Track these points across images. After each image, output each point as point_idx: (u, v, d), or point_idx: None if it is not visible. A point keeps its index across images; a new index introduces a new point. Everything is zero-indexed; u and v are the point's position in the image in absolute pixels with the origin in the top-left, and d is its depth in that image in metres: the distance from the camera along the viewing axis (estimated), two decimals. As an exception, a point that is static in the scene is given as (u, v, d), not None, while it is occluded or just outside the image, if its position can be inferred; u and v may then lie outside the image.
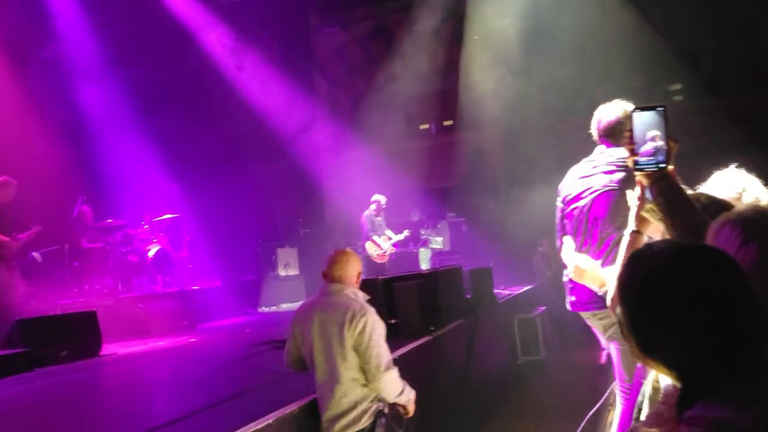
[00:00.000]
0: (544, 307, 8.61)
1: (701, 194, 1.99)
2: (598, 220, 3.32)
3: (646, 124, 1.93)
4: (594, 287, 3.20)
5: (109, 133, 11.66)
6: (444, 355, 5.56)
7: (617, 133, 3.36)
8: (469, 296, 6.90)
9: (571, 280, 3.45)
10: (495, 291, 8.09)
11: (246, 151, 14.10)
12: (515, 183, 12.41)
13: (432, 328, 5.49)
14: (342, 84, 15.65)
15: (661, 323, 1.10)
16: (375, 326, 3.22)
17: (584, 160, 3.54)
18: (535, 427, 5.92)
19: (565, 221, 3.54)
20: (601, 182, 3.32)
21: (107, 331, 6.95)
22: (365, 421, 3.19)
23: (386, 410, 3.30)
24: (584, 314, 3.46)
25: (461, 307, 6.51)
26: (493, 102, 12.83)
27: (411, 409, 3.45)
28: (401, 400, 3.34)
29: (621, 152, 3.27)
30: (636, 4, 11.29)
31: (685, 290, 1.08)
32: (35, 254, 8.75)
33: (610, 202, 3.25)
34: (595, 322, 3.44)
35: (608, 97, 3.55)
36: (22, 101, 10.17)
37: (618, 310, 1.20)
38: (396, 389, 3.26)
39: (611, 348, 3.43)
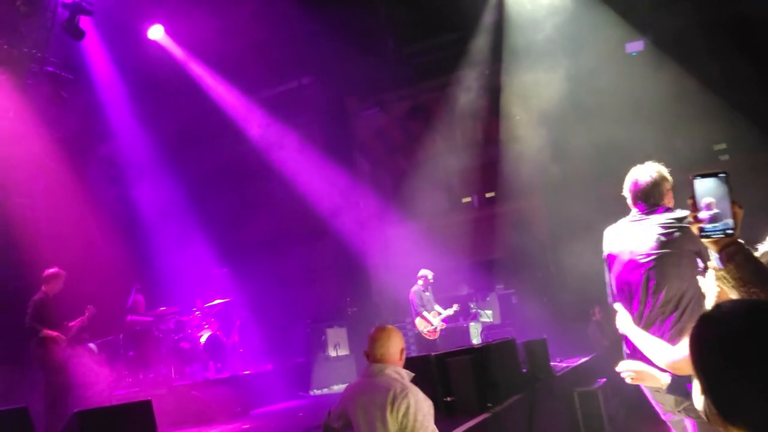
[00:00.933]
0: (604, 379, 8.25)
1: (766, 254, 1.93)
2: (658, 285, 3.19)
3: (708, 191, 1.92)
4: (654, 384, 3.02)
5: (161, 223, 12.09)
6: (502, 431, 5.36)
7: (653, 195, 3.31)
8: (525, 370, 6.69)
9: (630, 349, 3.30)
10: (551, 363, 7.83)
11: (292, 233, 14.36)
12: (562, 250, 12.22)
13: (489, 405, 5.32)
14: (383, 163, 15.98)
15: (740, 383, 1.05)
16: (420, 406, 3.03)
17: (626, 221, 3.46)
18: None
19: (614, 286, 3.42)
20: (659, 245, 3.22)
21: (161, 420, 6.92)
22: None
23: None
24: (652, 387, 3.27)
25: (518, 381, 6.31)
26: (534, 171, 12.86)
27: None
28: None
29: (673, 215, 3.21)
30: (676, 62, 11.31)
31: (762, 346, 1.04)
32: (91, 345, 8.93)
33: (671, 266, 3.15)
34: (661, 397, 3.24)
35: (649, 158, 3.52)
36: (80, 196, 10.67)
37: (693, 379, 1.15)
38: None
39: (687, 424, 3.21)
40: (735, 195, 1.91)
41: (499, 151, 13.87)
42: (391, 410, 2.98)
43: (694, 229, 1.94)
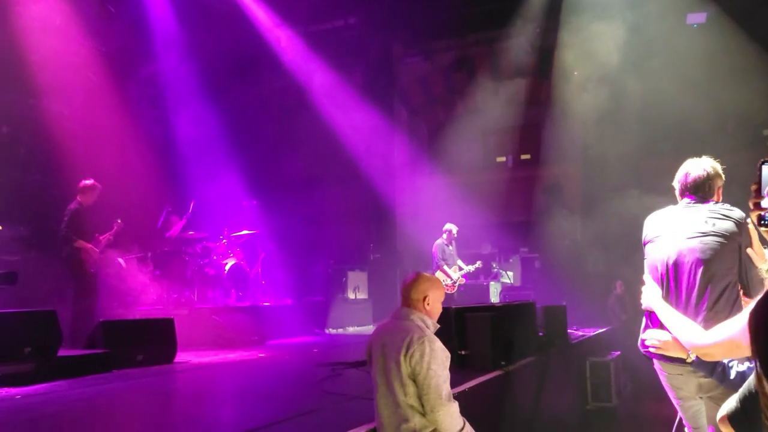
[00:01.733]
0: (618, 352, 8.26)
1: None
2: (698, 268, 3.13)
3: None
4: (681, 354, 2.99)
5: (195, 150, 12.16)
6: (513, 392, 5.41)
7: (702, 188, 3.24)
8: (541, 334, 6.72)
9: (655, 326, 3.26)
10: (568, 331, 7.85)
11: (323, 173, 14.37)
12: (592, 220, 12.09)
13: (503, 363, 5.37)
14: (421, 112, 15.79)
15: None
16: (434, 355, 3.03)
17: (672, 208, 3.38)
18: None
19: (651, 266, 3.35)
20: (705, 230, 3.15)
21: (182, 338, 7.16)
22: None
23: None
24: (675, 368, 3.21)
25: (533, 344, 6.34)
26: (575, 137, 12.61)
27: None
28: None
29: (724, 205, 3.15)
30: (736, 40, 10.83)
31: None
32: (120, 260, 9.15)
33: (714, 251, 3.09)
34: (680, 381, 3.19)
35: (695, 139, 3.42)
36: (118, 113, 10.75)
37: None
38: (455, 424, 3.05)
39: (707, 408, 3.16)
40: None
41: (540, 113, 13.61)
42: (405, 354, 3.03)
43: (754, 216, 1.87)
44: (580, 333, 8.61)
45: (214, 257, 10.04)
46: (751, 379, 1.60)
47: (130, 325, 7.05)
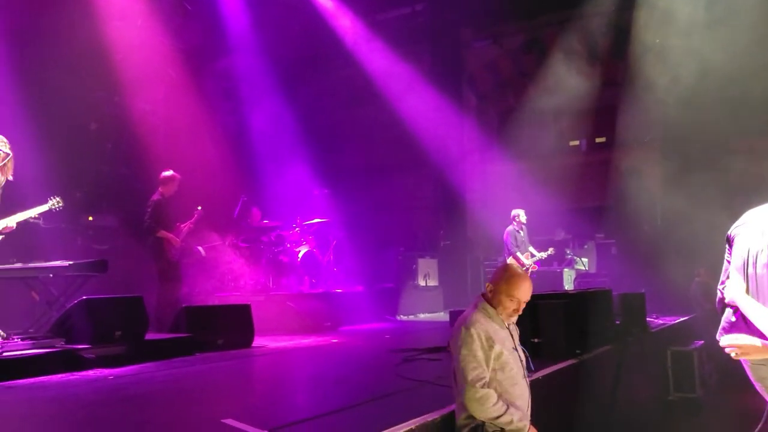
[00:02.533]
0: (701, 342, 7.94)
1: None
2: None
3: None
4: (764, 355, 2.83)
5: (269, 140, 12.47)
6: (588, 381, 5.31)
7: None
8: (618, 322, 6.54)
9: (737, 317, 3.11)
10: (647, 319, 7.61)
11: (393, 161, 14.42)
12: (673, 204, 11.59)
13: (578, 351, 5.27)
14: (491, 98, 15.53)
15: None
16: (467, 340, 3.07)
17: None
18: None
19: (738, 258, 3.15)
20: None
21: (258, 323, 7.41)
22: None
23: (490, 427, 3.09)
24: (758, 360, 3.07)
25: (610, 332, 6.19)
26: (654, 119, 12.11)
27: None
28: (503, 424, 3.09)
29: None
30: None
31: None
32: (200, 248, 9.53)
33: None
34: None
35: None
36: (195, 106, 11.15)
37: None
38: (486, 411, 3.03)
39: None
40: None
41: (616, 94, 13.13)
42: (452, 338, 3.19)
43: None
44: (661, 321, 8.32)
45: (288, 245, 10.29)
46: None
47: (211, 310, 7.35)
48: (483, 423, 3.07)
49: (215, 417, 3.39)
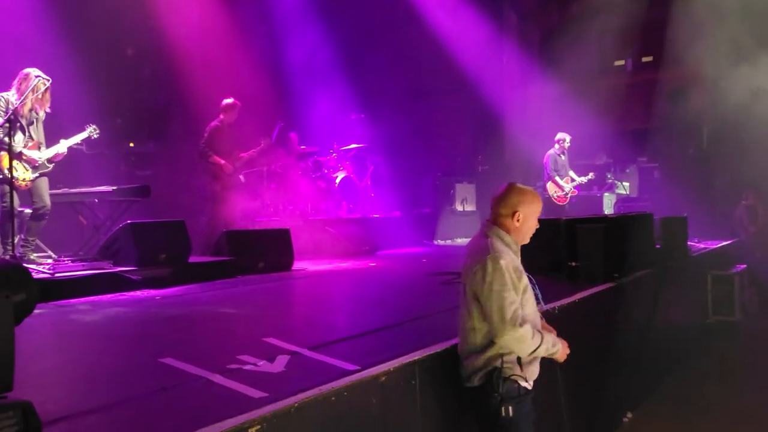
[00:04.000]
0: (743, 266, 7.82)
1: None
2: None
3: None
4: None
5: (305, 65, 12.29)
6: (626, 304, 5.31)
7: None
8: (658, 246, 6.46)
9: None
10: (688, 243, 7.49)
11: (430, 85, 14.14)
12: (721, 125, 11.16)
13: (616, 275, 5.24)
14: (533, 16, 14.91)
15: None
16: (497, 275, 2.76)
17: None
18: (720, 391, 5.51)
19: None
20: None
21: (297, 247, 7.56)
22: (479, 378, 2.88)
23: (508, 370, 2.83)
24: None
25: (649, 256, 6.12)
26: (705, 37, 11.48)
27: (560, 358, 3.00)
28: (540, 355, 2.91)
29: None
30: None
31: None
32: (240, 176, 9.65)
33: None
34: None
35: None
36: (230, 29, 10.98)
37: None
38: (526, 347, 2.82)
39: None
40: None
41: (664, 10, 12.45)
42: (470, 272, 2.88)
43: None
44: (702, 246, 8.19)
45: (325, 171, 10.33)
46: None
47: (251, 235, 7.51)
48: (497, 367, 2.81)
49: (257, 335, 3.51)
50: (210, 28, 10.80)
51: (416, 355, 2.97)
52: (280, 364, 2.92)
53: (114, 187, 6.63)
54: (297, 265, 7.38)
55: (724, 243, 8.75)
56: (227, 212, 8.21)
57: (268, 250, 7.13)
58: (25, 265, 3.12)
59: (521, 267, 2.93)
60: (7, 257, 5.38)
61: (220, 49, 10.75)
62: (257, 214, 9.61)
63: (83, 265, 5.62)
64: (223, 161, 8.05)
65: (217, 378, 2.67)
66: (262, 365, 2.88)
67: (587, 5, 13.19)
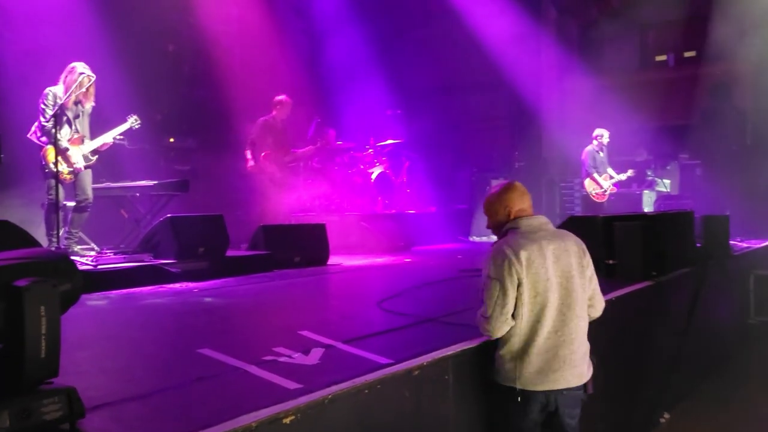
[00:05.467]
0: (788, 266, 7.60)
1: None
2: None
3: None
4: None
5: (342, 60, 12.35)
6: (665, 303, 5.22)
7: None
8: (699, 245, 6.33)
9: None
10: (731, 242, 7.31)
11: (467, 80, 14.07)
12: (765, 125, 10.85)
13: (654, 273, 5.15)
14: (572, 10, 14.68)
15: None
16: (485, 270, 2.92)
17: None
18: (761, 394, 5.37)
19: None
20: None
21: (333, 242, 7.62)
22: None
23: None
24: None
25: (689, 255, 6.00)
26: (749, 31, 11.16)
27: None
28: None
29: None
30: None
31: None
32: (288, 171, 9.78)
33: None
34: None
35: None
36: (267, 25, 11.10)
37: None
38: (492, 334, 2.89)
39: None
40: None
41: (708, 4, 12.14)
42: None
43: None
44: (745, 245, 7.99)
45: (361, 166, 10.38)
46: None
47: (288, 229, 7.60)
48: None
49: (292, 328, 3.55)
50: (248, 25, 10.95)
51: (450, 350, 2.98)
52: (314, 356, 2.96)
53: (154, 182, 6.79)
54: (332, 260, 7.44)
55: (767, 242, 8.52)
56: (274, 206, 8.39)
57: (304, 245, 7.21)
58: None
59: None
60: (53, 248, 5.57)
61: (258, 45, 10.89)
62: (293, 209, 9.72)
63: (124, 258, 5.77)
64: (263, 154, 8.21)
65: (253, 369, 2.73)
66: (297, 357, 2.93)
67: (627, -1, 12.95)
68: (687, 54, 13.86)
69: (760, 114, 11.34)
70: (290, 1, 12.44)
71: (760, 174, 10.24)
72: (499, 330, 2.86)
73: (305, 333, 3.41)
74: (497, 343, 2.95)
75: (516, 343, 2.88)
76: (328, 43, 12.51)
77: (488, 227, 3.19)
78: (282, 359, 2.89)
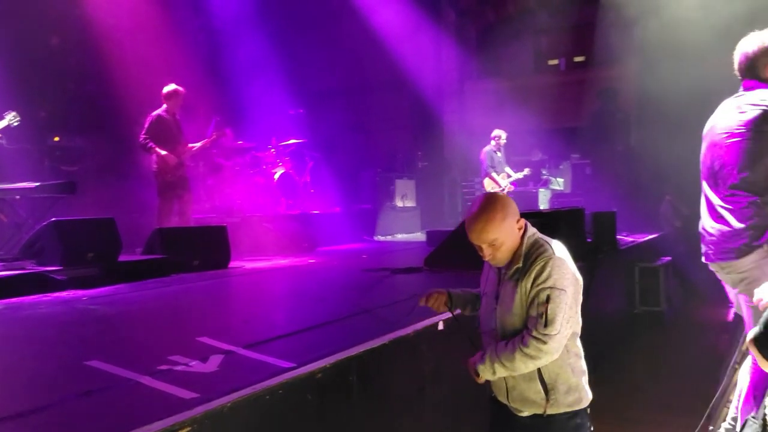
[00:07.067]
0: (668, 258, 8.16)
1: None
2: (725, 167, 3.06)
3: None
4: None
5: (241, 59, 12.06)
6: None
7: (755, 67, 3.01)
8: (590, 240, 6.67)
9: (704, 230, 3.26)
10: (617, 237, 7.76)
11: (370, 81, 14.15)
12: (648, 126, 11.62)
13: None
14: (470, 13, 15.13)
15: None
16: (543, 281, 2.47)
17: (731, 98, 3.21)
18: (647, 379, 5.72)
19: (702, 166, 3.29)
20: (735, 125, 3.03)
21: (234, 245, 7.41)
22: None
23: None
24: (713, 266, 3.25)
25: (581, 249, 6.29)
26: (632, 37, 11.92)
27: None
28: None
29: (762, 93, 2.94)
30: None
31: None
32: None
33: (740, 149, 2.98)
34: (723, 275, 3.23)
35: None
36: (163, 20, 10.65)
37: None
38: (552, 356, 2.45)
39: (741, 302, 3.20)
40: None
41: (595, 11, 12.87)
42: None
43: None
44: (631, 239, 8.50)
45: (264, 166, 10.19)
46: None
47: (186, 232, 7.31)
48: None
49: (190, 335, 3.42)
50: (142, 19, 10.45)
51: (354, 351, 2.95)
52: (213, 363, 2.84)
53: (37, 183, 6.33)
54: (234, 262, 7.23)
55: (651, 236, 9.11)
56: (176, 207, 7.93)
57: (204, 248, 6.96)
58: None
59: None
60: None
61: (153, 41, 10.40)
62: (194, 211, 9.38)
63: (3, 265, 5.35)
64: (165, 152, 7.61)
65: (146, 380, 2.58)
66: (195, 365, 2.80)
67: (522, 4, 13.49)
68: (577, 59, 14.63)
69: (643, 116, 12.14)
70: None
71: (643, 173, 10.96)
72: (560, 350, 2.38)
73: (204, 339, 3.28)
74: (547, 369, 2.41)
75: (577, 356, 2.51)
76: (228, 42, 12.17)
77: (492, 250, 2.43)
78: (178, 368, 2.76)
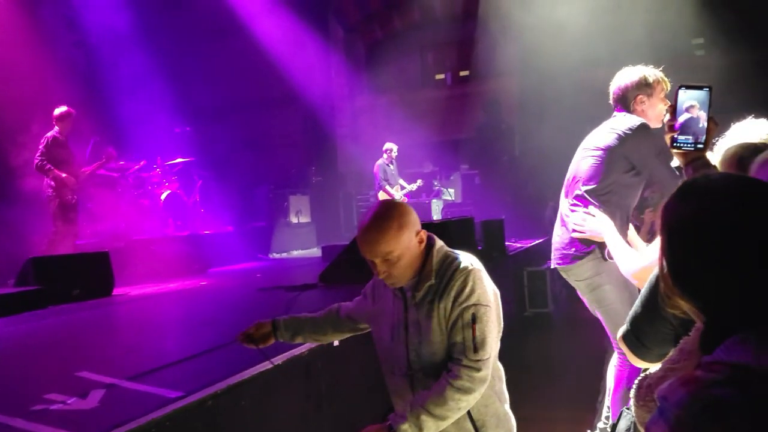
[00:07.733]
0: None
1: (739, 147, 1.86)
2: (575, 179, 3.31)
3: (690, 102, 1.89)
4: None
5: (122, 76, 11.53)
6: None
7: (626, 98, 3.28)
8: (480, 248, 6.88)
9: (553, 237, 3.46)
10: (506, 243, 8.07)
11: (260, 97, 13.96)
12: (530, 136, 12.23)
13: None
14: (358, 30, 15.34)
15: (709, 255, 1.02)
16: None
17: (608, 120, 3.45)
18: (542, 378, 5.96)
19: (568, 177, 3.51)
20: (594, 145, 3.28)
21: (119, 273, 7.02)
22: None
23: None
24: (560, 270, 3.43)
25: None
26: (511, 51, 12.53)
27: None
28: None
29: (629, 120, 3.18)
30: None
31: (748, 223, 1.00)
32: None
33: (590, 165, 3.23)
34: (571, 281, 3.42)
35: (630, 49, 3.42)
36: (33, 37, 10.02)
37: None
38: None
39: (593, 308, 3.40)
40: (712, 111, 1.90)
41: (477, 27, 13.44)
42: None
43: (667, 138, 1.92)
44: (519, 245, 8.86)
45: (149, 187, 9.77)
46: (639, 298, 1.70)
47: (63, 260, 6.83)
48: None
49: (68, 370, 3.19)
50: (7, 33, 9.74)
51: (246, 374, 2.86)
52: (93, 399, 2.67)
53: None
54: (118, 290, 6.84)
55: (537, 241, 9.54)
56: (74, 230, 7.60)
57: (84, 276, 6.53)
58: None
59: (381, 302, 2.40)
60: None
61: (23, 57, 9.72)
62: (76, 237, 8.82)
63: None
64: (65, 175, 7.41)
65: (19, 422, 2.38)
66: (73, 402, 2.62)
67: (408, 21, 13.84)
68: (462, 73, 15.18)
69: (525, 128, 12.76)
70: (60, 12, 11.32)
71: (528, 181, 11.49)
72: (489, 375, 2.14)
73: (83, 374, 3.08)
74: (476, 404, 2.11)
75: None
76: (107, 59, 11.59)
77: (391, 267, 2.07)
78: (54, 407, 2.57)
